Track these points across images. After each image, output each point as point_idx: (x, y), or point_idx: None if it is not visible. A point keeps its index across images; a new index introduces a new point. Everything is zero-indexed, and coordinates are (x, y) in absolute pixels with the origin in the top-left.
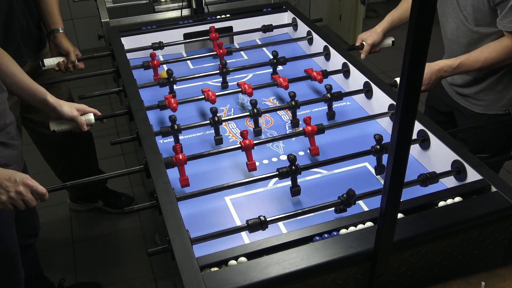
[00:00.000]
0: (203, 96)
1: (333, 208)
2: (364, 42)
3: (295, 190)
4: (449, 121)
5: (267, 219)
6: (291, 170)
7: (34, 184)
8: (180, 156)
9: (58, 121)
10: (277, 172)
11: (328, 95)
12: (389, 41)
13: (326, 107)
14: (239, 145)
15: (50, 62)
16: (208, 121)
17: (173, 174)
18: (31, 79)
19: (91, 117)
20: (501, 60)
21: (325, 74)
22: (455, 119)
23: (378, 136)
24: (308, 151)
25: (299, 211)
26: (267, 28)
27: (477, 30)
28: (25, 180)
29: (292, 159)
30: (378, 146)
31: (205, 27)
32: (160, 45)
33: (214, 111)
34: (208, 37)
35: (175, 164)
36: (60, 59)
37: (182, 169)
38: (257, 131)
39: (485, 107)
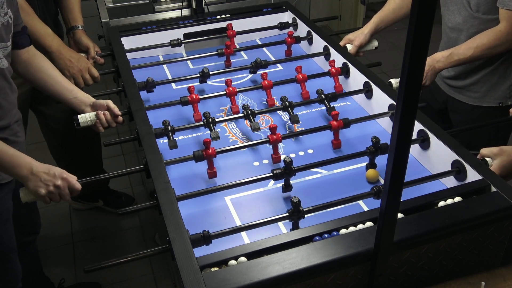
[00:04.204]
0: (225, 92)
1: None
2: (348, 45)
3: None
4: (441, 120)
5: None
6: (285, 172)
7: (71, 179)
8: (210, 150)
9: (85, 115)
10: (271, 174)
11: (322, 96)
12: (374, 44)
13: (324, 106)
14: (267, 139)
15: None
16: (201, 122)
17: (173, 174)
18: (66, 79)
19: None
20: (493, 46)
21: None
22: (448, 116)
23: (375, 139)
24: (331, 144)
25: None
26: (283, 26)
27: (478, 16)
28: (62, 174)
29: (288, 162)
30: (373, 148)
31: (205, 27)
32: (178, 42)
33: (208, 115)
34: (226, 34)
35: (205, 158)
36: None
37: (211, 162)
38: (254, 124)
39: (479, 99)
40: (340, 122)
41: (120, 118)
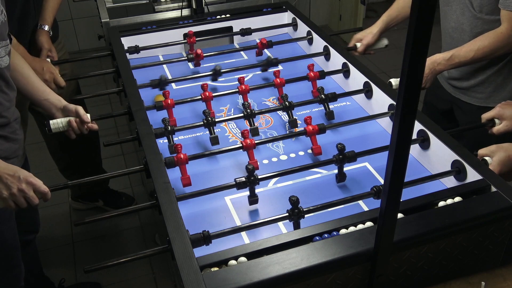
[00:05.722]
0: (200, 97)
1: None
2: (357, 44)
3: (252, 199)
4: (446, 121)
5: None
6: (249, 181)
7: (37, 183)
8: (182, 156)
9: (57, 121)
10: (234, 182)
11: (322, 96)
12: (384, 42)
13: (323, 108)
14: (240, 145)
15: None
16: (202, 122)
17: (173, 174)
18: (40, 80)
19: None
20: (494, 48)
21: (322, 75)
22: (454, 117)
23: (340, 145)
24: (310, 150)
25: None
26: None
27: (481, 17)
28: (28, 178)
29: (250, 169)
30: (340, 156)
31: (205, 27)
32: (136, 49)
33: (207, 113)
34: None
35: (177, 164)
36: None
37: (183, 168)
38: (254, 129)
39: (485, 100)
40: (315, 127)
41: (91, 125)
